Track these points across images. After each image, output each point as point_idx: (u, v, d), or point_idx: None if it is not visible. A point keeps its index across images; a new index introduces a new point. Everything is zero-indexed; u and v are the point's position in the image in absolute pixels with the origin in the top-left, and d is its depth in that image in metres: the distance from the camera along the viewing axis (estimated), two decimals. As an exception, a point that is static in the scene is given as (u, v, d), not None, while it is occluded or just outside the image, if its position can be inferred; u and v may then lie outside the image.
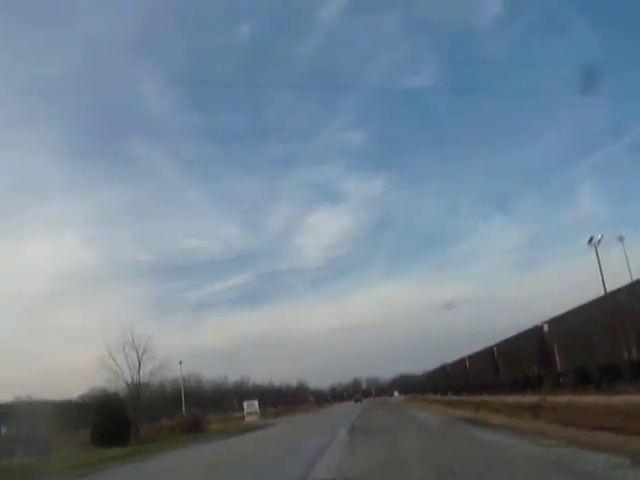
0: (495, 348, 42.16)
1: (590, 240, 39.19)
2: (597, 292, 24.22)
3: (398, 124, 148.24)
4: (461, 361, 56.89)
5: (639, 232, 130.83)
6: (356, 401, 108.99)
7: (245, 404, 68.31)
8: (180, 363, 62.67)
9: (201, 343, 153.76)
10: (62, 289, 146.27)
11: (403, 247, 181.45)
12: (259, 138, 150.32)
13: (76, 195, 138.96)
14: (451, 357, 68.06)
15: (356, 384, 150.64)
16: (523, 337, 35.05)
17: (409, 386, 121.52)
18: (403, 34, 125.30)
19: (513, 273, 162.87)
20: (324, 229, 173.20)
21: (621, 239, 40.77)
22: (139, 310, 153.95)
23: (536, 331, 32.13)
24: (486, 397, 35.84)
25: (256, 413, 63.90)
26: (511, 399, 28.29)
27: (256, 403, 66.73)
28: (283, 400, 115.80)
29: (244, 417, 62.37)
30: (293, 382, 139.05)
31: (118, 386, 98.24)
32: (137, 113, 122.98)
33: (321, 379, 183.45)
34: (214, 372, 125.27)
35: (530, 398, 26.72)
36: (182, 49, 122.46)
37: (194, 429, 32.56)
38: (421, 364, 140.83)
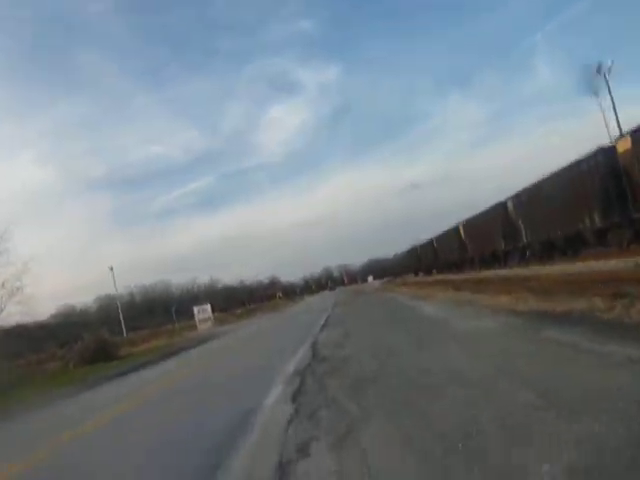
0: (461, 226, 42.63)
1: (598, 69, 35.64)
2: (559, 164, 23.97)
3: (347, 6, 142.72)
4: (429, 242, 57.84)
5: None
6: (331, 289, 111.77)
7: (195, 310, 57.84)
8: (111, 269, 58.18)
9: (169, 250, 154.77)
10: (18, 212, 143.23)
11: (363, 133, 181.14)
12: (207, 36, 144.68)
13: (23, 114, 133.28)
14: (421, 238, 68.63)
15: (327, 273, 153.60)
16: (488, 214, 35.31)
17: (381, 270, 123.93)
18: None
19: (476, 150, 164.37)
20: (282, 123, 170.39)
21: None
22: (103, 225, 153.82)
23: (500, 207, 32.42)
24: (458, 275, 36.86)
25: (209, 319, 56.66)
26: (481, 275, 29.46)
27: (208, 308, 58.53)
28: (253, 298, 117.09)
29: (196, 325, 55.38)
30: (264, 279, 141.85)
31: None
32: (77, 18, 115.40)
33: (292, 273, 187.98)
34: (184, 278, 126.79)
35: (498, 272, 28.10)
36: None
37: (101, 357, 25.99)
38: (391, 248, 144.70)
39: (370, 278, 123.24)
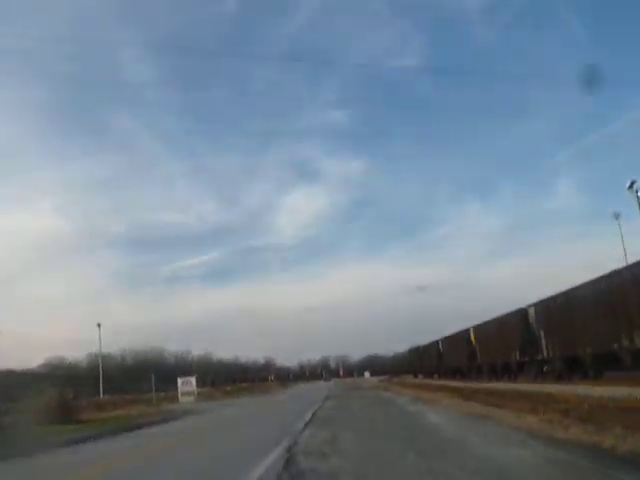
0: (472, 330, 39.76)
1: (631, 185, 33.90)
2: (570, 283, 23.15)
3: (380, 105, 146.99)
4: (434, 343, 54.61)
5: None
6: (325, 380, 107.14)
7: (179, 381, 54.03)
8: (99, 326, 55.90)
9: (169, 317, 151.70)
10: (34, 258, 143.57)
11: (379, 229, 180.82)
12: (239, 113, 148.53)
13: (51, 164, 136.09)
14: (423, 340, 66.68)
15: (324, 363, 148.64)
16: (505, 320, 32.65)
17: (379, 367, 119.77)
18: (389, 14, 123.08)
19: (488, 260, 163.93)
20: (300, 208, 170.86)
21: (617, 216, 40.13)
22: (108, 282, 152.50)
23: (520, 314, 29.63)
24: (464, 383, 33.64)
25: (192, 393, 52.20)
26: (491, 386, 26.30)
27: (193, 380, 54.34)
28: (245, 377, 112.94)
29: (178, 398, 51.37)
30: (260, 359, 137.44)
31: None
32: (116, 82, 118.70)
33: (289, 357, 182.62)
34: (180, 346, 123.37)
35: (511, 385, 24.96)
36: (165, 18, 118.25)
37: (59, 419, 22.56)
38: (392, 346, 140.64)
39: (367, 374, 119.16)
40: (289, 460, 8.68)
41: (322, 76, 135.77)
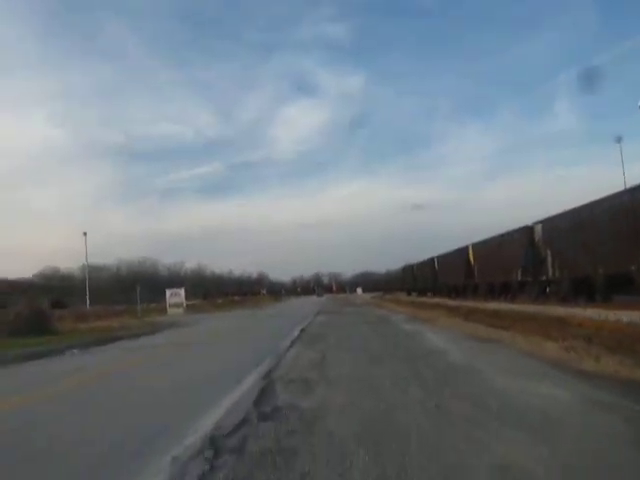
0: (471, 248, 38.24)
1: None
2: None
3: (380, 18, 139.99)
4: (429, 261, 53.43)
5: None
6: (318, 295, 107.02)
7: (167, 293, 52.37)
8: (85, 234, 53.18)
9: (164, 229, 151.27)
10: (27, 167, 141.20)
11: (376, 146, 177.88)
12: (237, 23, 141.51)
13: (42, 71, 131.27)
14: (416, 259, 66.06)
15: (317, 278, 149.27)
16: (508, 238, 30.72)
17: (371, 284, 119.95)
18: None
19: (485, 181, 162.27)
20: (298, 122, 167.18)
21: (619, 140, 37.93)
22: (104, 192, 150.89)
23: (525, 232, 27.67)
24: (460, 302, 32.49)
25: (181, 305, 50.90)
26: (491, 306, 24.94)
27: (182, 292, 52.59)
28: (238, 291, 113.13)
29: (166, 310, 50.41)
30: (254, 273, 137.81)
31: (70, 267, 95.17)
32: None
33: (283, 272, 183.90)
34: (174, 259, 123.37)
35: (512, 306, 23.57)
36: None
37: (34, 329, 21.18)
38: (384, 264, 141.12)
39: (359, 290, 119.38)
40: (263, 391, 7.05)
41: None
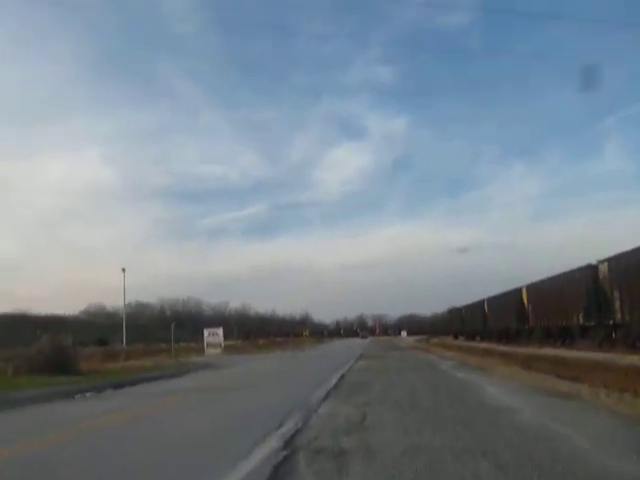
0: (525, 290, 35.66)
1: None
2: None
3: (427, 62, 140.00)
4: (479, 303, 50.72)
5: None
6: (362, 337, 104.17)
7: (206, 332, 50.82)
8: (123, 271, 50.14)
9: (209, 270, 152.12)
10: (77, 206, 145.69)
11: (421, 189, 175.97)
12: (285, 66, 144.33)
13: (97, 112, 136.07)
14: (462, 302, 63.85)
15: (361, 320, 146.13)
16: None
17: (415, 328, 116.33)
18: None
19: (531, 223, 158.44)
20: (343, 164, 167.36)
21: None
22: (151, 232, 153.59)
23: (588, 271, 25.30)
24: (513, 348, 29.99)
25: (219, 346, 49.18)
26: (551, 353, 22.46)
27: (220, 332, 50.79)
28: (281, 332, 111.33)
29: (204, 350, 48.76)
30: (297, 314, 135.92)
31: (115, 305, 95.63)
32: (162, 31, 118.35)
33: (326, 314, 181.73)
34: (218, 299, 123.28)
35: (578, 354, 21.14)
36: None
37: (55, 368, 19.86)
38: (429, 307, 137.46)
39: (404, 333, 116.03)
40: (277, 471, 5.24)
41: (369, 30, 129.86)
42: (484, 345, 37.86)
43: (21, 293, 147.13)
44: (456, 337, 65.42)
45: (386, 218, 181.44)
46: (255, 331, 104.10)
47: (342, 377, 16.01)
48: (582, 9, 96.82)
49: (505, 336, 40.02)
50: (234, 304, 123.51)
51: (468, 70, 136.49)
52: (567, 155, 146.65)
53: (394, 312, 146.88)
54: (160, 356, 40.38)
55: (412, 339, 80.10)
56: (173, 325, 42.54)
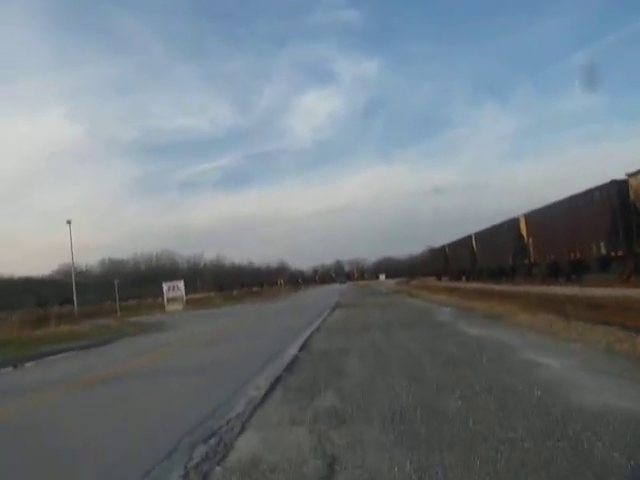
0: (523, 219, 31.12)
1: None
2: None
3: (393, 2, 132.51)
4: (466, 240, 46.03)
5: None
6: (341, 283, 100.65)
7: (165, 287, 45.29)
8: (69, 223, 41.32)
9: (184, 223, 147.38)
10: (44, 166, 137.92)
11: (393, 132, 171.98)
12: (250, 14, 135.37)
13: (61, 69, 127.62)
14: (439, 243, 62.45)
15: (339, 266, 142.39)
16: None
17: (393, 271, 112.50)
18: None
19: (503, 161, 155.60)
20: (314, 110, 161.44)
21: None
22: (123, 188, 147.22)
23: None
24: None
25: (180, 300, 44.04)
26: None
27: (181, 285, 45.30)
28: (257, 282, 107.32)
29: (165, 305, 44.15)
30: (274, 263, 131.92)
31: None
32: None
33: (303, 261, 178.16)
34: (194, 251, 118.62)
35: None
36: None
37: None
38: (406, 249, 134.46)
39: (382, 276, 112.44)
40: None
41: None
42: (475, 286, 33.01)
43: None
44: (439, 278, 61.34)
45: (360, 163, 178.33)
46: (230, 282, 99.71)
47: (305, 345, 10.92)
48: None
49: (499, 274, 35.50)
50: (209, 255, 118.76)
51: (437, 8, 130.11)
52: (537, 92, 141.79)
53: (371, 256, 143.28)
54: (110, 317, 35.70)
55: (392, 282, 75.87)
56: (116, 282, 37.26)
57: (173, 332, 20.59)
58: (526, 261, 30.24)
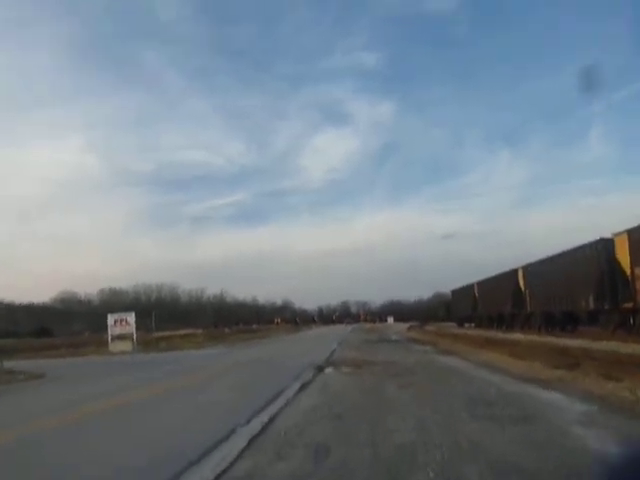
0: (521, 271, 32.64)
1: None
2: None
3: (411, 48, 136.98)
4: (468, 288, 47.45)
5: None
6: (347, 324, 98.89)
7: (110, 319, 35.42)
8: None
9: (191, 257, 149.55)
10: (60, 194, 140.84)
11: (406, 175, 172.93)
12: (269, 53, 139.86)
13: (80, 100, 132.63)
14: (446, 288, 63.56)
15: (345, 307, 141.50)
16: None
17: (400, 314, 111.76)
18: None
19: (513, 209, 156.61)
20: (328, 151, 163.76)
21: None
22: (134, 220, 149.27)
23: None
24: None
25: (129, 337, 34.64)
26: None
27: (131, 319, 35.49)
28: (257, 319, 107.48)
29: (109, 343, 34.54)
30: (279, 301, 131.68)
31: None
32: (145, 18, 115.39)
33: (309, 300, 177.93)
34: (198, 285, 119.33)
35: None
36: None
37: None
38: (412, 293, 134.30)
39: (390, 319, 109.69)
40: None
41: (353, 16, 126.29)
42: (486, 333, 29.82)
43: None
44: (461, 325, 58.14)
45: (370, 205, 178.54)
46: (228, 318, 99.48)
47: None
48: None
49: (498, 322, 36.61)
50: (213, 290, 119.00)
51: (453, 55, 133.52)
52: (552, 141, 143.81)
53: (378, 299, 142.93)
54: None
55: (402, 326, 65.76)
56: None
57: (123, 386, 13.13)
58: (523, 310, 31.48)
